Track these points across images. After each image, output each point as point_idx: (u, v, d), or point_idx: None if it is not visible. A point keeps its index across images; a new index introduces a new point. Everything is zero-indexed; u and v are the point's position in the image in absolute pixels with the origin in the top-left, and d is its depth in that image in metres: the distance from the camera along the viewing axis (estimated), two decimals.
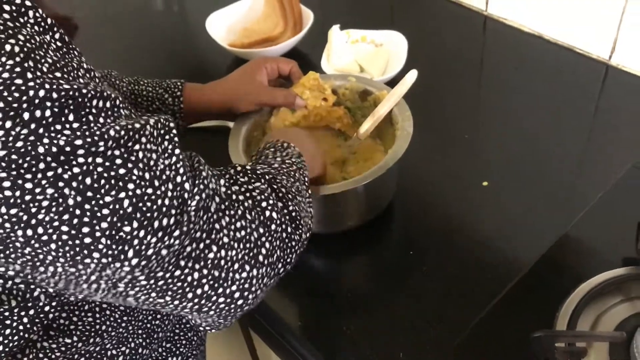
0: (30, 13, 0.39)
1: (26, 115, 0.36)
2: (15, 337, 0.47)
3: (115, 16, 1.33)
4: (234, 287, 0.47)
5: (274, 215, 0.51)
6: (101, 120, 0.39)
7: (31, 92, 0.36)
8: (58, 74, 0.38)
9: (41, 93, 0.36)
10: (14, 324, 0.46)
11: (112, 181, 0.39)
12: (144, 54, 1.20)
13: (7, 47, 0.36)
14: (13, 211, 0.36)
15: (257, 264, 0.49)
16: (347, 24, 1.06)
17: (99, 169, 0.39)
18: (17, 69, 0.36)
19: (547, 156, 0.84)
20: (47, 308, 0.47)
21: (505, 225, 0.76)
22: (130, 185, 0.40)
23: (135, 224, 0.40)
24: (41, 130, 0.36)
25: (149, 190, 0.41)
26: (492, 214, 0.77)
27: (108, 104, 0.40)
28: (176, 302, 0.46)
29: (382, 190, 0.77)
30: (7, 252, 0.38)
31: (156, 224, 0.41)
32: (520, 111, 0.93)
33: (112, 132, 0.39)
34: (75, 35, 0.55)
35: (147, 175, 0.41)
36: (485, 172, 0.83)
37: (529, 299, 0.66)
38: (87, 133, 0.38)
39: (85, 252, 0.39)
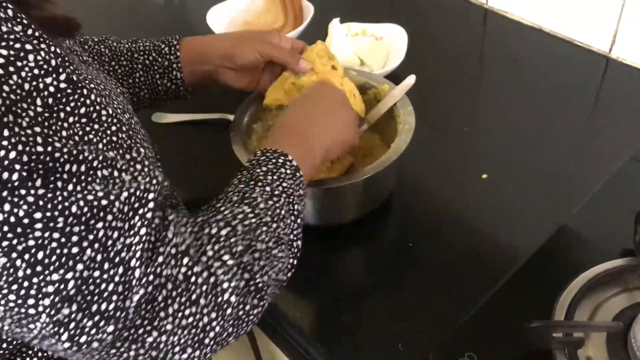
0: (31, 57, 0.38)
1: None
2: None
3: (116, 9, 1.33)
4: None
5: (232, 298, 0.47)
6: (70, 187, 0.38)
7: (2, 152, 0.35)
8: (37, 129, 0.37)
9: (12, 155, 0.35)
10: None
11: (63, 259, 0.39)
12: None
13: None
14: None
15: (201, 346, 0.46)
16: (347, 17, 1.06)
17: (53, 244, 0.38)
18: None
19: (547, 148, 0.85)
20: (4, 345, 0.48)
21: (504, 217, 0.76)
22: (79, 266, 0.39)
23: (74, 307, 0.40)
24: (4, 194, 0.36)
25: (96, 273, 0.40)
26: (491, 206, 0.78)
27: (83, 168, 0.39)
28: None
29: (383, 183, 0.77)
30: None
31: (94, 307, 0.40)
32: (520, 104, 0.93)
33: (74, 209, 0.38)
34: (77, 34, 0.55)
35: (98, 257, 0.40)
36: (484, 164, 0.83)
37: (527, 289, 0.66)
38: (49, 205, 0.37)
39: (30, 319, 0.40)
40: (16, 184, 0.36)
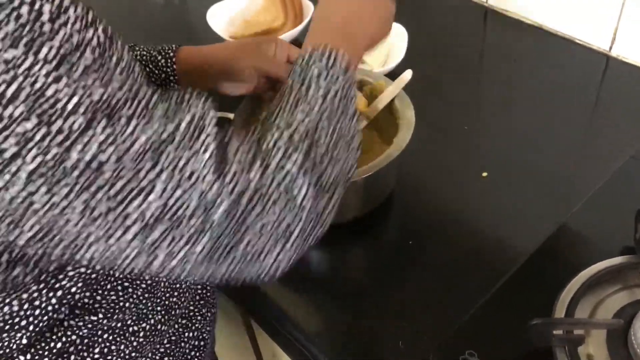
0: (71, 10, 0.38)
1: (56, 126, 0.36)
2: (45, 317, 0.49)
3: (116, 9, 1.33)
4: (260, 270, 0.48)
5: (308, 194, 0.49)
6: (130, 128, 0.39)
7: (63, 101, 0.36)
8: (93, 76, 0.38)
9: (72, 102, 0.36)
10: (43, 304, 0.49)
11: (138, 189, 0.40)
12: (145, 45, 1.19)
13: (43, 52, 0.35)
14: (49, 214, 0.38)
15: (284, 249, 0.48)
16: None
17: (125, 178, 0.39)
18: (51, 77, 0.35)
19: (547, 147, 0.85)
20: (73, 289, 0.50)
21: (504, 216, 0.76)
22: (157, 188, 0.40)
23: (163, 227, 0.41)
24: (68, 143, 0.36)
25: (177, 193, 0.41)
26: (491, 205, 0.78)
27: (141, 105, 0.40)
28: (209, 280, 0.47)
29: (383, 181, 0.77)
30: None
31: (182, 226, 0.41)
32: (520, 102, 0.93)
33: (136, 146, 0.39)
34: None
35: (175, 177, 0.41)
36: (485, 163, 0.83)
37: (528, 287, 0.66)
38: (113, 145, 0.38)
39: (122, 254, 0.41)
40: (79, 131, 0.37)
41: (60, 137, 0.36)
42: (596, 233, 0.72)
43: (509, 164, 0.83)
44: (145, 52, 0.78)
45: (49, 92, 0.35)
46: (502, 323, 0.64)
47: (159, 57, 0.77)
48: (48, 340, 0.52)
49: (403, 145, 0.70)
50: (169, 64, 0.76)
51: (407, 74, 0.78)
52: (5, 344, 0.49)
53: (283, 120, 0.51)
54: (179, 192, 0.41)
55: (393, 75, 0.82)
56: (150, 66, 0.76)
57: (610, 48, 0.98)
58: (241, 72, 0.74)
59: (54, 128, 0.36)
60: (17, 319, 0.48)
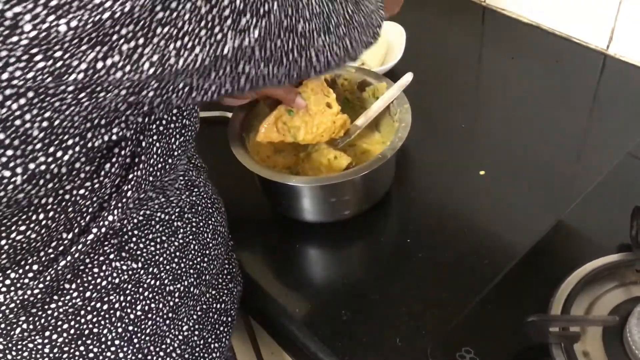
0: None
1: None
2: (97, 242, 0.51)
3: None
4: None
5: None
6: None
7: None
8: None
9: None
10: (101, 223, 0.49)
11: None
12: None
13: None
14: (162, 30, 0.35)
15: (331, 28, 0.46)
16: None
17: None
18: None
19: (544, 145, 0.85)
20: (117, 224, 0.51)
21: (501, 213, 0.77)
22: None
23: None
24: None
25: None
26: (489, 202, 0.78)
27: None
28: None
29: (380, 179, 0.78)
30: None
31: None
32: (517, 101, 0.93)
33: None
34: None
35: None
36: (482, 161, 0.83)
37: (524, 284, 0.67)
38: None
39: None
40: None
41: None
42: (593, 230, 0.72)
43: (506, 162, 0.83)
44: None
45: None
46: (498, 320, 0.64)
47: None
48: (95, 275, 0.52)
49: (399, 144, 0.71)
50: None
51: (408, 77, 0.79)
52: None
53: None
54: None
55: (391, 73, 0.82)
56: None
57: (608, 47, 0.98)
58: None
59: None
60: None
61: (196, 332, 0.65)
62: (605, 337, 0.60)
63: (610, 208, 0.74)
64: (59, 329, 0.53)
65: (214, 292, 0.67)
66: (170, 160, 0.53)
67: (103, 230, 0.50)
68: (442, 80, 1.00)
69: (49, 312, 0.51)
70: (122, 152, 0.47)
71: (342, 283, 0.72)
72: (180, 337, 0.63)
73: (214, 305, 0.67)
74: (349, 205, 0.76)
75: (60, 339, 0.53)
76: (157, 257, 0.57)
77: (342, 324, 0.67)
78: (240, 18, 0.38)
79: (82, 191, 0.46)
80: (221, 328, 0.69)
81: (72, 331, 0.53)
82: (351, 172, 0.70)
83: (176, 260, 0.60)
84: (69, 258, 0.49)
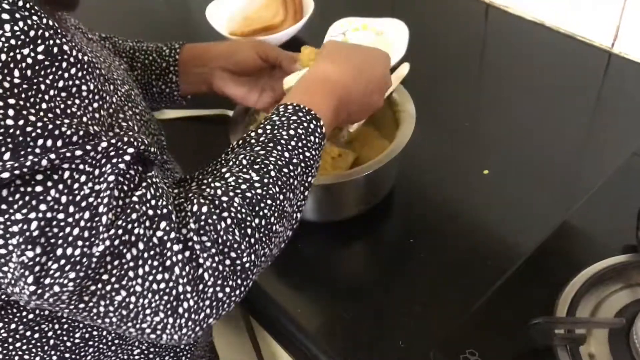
0: (7, 27, 0.37)
1: None
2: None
3: (117, 5, 1.32)
4: (144, 326, 0.44)
5: (210, 279, 0.45)
6: (44, 162, 0.38)
7: None
8: (11, 101, 0.37)
9: None
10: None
11: (27, 198, 0.38)
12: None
13: None
14: None
15: (174, 314, 0.44)
16: (348, 12, 1.05)
17: (17, 181, 0.38)
18: None
19: (548, 144, 0.84)
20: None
21: (506, 213, 0.76)
22: (42, 206, 0.39)
23: (38, 249, 0.39)
24: None
25: (60, 216, 0.39)
26: (492, 202, 0.77)
27: (59, 143, 0.39)
28: (90, 322, 0.45)
29: (384, 179, 0.77)
30: None
31: (59, 252, 0.39)
32: (521, 99, 0.92)
33: (44, 162, 0.38)
34: (75, 7, 0.53)
35: (63, 199, 0.39)
36: (486, 160, 0.82)
37: (529, 285, 0.66)
38: (15, 165, 0.37)
39: (2, 260, 0.39)
40: None
41: None
42: (598, 231, 0.71)
43: (510, 161, 0.83)
44: (152, 45, 0.78)
45: None
46: (503, 322, 0.63)
47: (165, 48, 0.77)
48: (21, 309, 0.50)
49: (405, 141, 0.70)
50: (172, 54, 0.77)
51: (404, 68, 0.78)
52: None
53: (233, 176, 0.48)
54: (70, 209, 0.39)
55: (394, 70, 0.81)
56: (154, 55, 0.77)
57: (613, 45, 0.97)
58: (242, 55, 0.74)
59: None
60: None
61: (150, 355, 0.62)
62: (611, 339, 0.59)
63: (615, 208, 0.73)
64: None
65: None
66: None
67: None
68: (446, 78, 0.99)
69: None
70: None
71: (343, 283, 0.72)
72: None
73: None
74: (351, 204, 0.76)
75: None
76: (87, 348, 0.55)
77: (344, 324, 0.66)
78: None
79: None
80: (182, 345, 0.64)
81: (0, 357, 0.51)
82: (354, 171, 0.69)
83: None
84: None
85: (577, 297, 0.61)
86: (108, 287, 0.42)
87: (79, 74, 0.42)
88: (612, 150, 0.81)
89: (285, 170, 0.50)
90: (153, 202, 0.43)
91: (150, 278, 0.43)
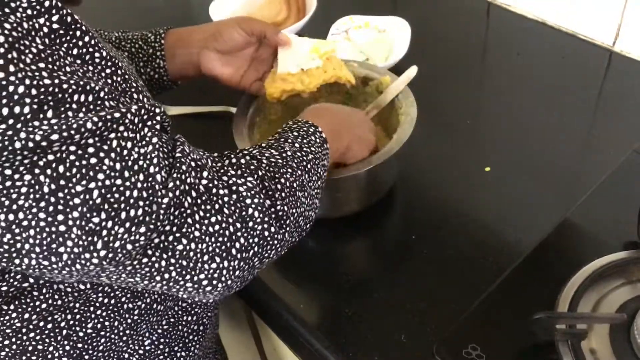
0: None
1: (5, 111, 0.36)
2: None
3: (117, 3, 1.33)
4: (202, 276, 0.48)
5: (256, 213, 0.50)
6: (81, 114, 0.40)
7: (11, 88, 0.36)
8: (42, 65, 0.38)
9: (20, 89, 0.37)
10: None
11: (84, 170, 0.40)
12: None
13: None
14: None
15: (229, 257, 0.48)
16: (350, 10, 1.06)
17: (72, 157, 0.40)
18: (0, 62, 0.36)
19: (550, 142, 0.85)
20: None
21: (507, 210, 0.76)
22: (100, 176, 0.41)
23: (103, 215, 0.41)
24: (19, 126, 0.37)
25: (118, 182, 0.41)
26: (494, 199, 0.78)
27: (90, 98, 0.41)
28: (145, 282, 0.47)
29: (385, 174, 0.77)
30: None
31: (123, 215, 0.41)
32: (523, 97, 0.93)
33: (89, 125, 0.40)
34: (80, 2, 0.54)
35: (117, 166, 0.41)
36: (488, 158, 0.83)
37: (531, 281, 0.66)
38: (63, 127, 0.38)
39: (60, 239, 0.41)
40: (28, 116, 0.37)
41: (10, 120, 0.37)
42: (599, 227, 0.72)
43: (511, 158, 0.83)
44: (137, 33, 0.78)
45: None
46: (504, 317, 0.64)
47: (149, 35, 0.78)
48: (35, 298, 0.51)
49: (404, 139, 0.70)
50: (157, 39, 0.77)
51: (413, 70, 0.79)
52: None
53: (256, 149, 0.56)
54: (126, 174, 0.41)
55: (396, 69, 0.81)
56: (140, 42, 0.77)
57: (614, 43, 0.97)
58: (228, 33, 0.74)
59: (4, 111, 0.36)
60: None
61: (160, 346, 0.64)
62: (613, 334, 0.59)
63: (616, 205, 0.73)
64: (0, 345, 0.52)
65: (184, 304, 0.65)
66: None
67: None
68: (447, 76, 0.99)
69: None
70: None
71: (345, 279, 0.72)
72: (140, 352, 0.61)
73: (184, 317, 0.66)
74: (353, 200, 0.76)
75: (3, 353, 0.52)
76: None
77: (346, 320, 0.67)
78: None
79: None
80: (190, 337, 0.67)
81: (14, 347, 0.52)
82: (356, 167, 0.69)
83: None
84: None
85: (578, 293, 0.61)
86: (170, 238, 0.45)
87: (92, 42, 0.44)
88: (613, 147, 0.81)
89: (299, 154, 0.57)
90: (192, 155, 0.48)
91: (206, 222, 0.46)
